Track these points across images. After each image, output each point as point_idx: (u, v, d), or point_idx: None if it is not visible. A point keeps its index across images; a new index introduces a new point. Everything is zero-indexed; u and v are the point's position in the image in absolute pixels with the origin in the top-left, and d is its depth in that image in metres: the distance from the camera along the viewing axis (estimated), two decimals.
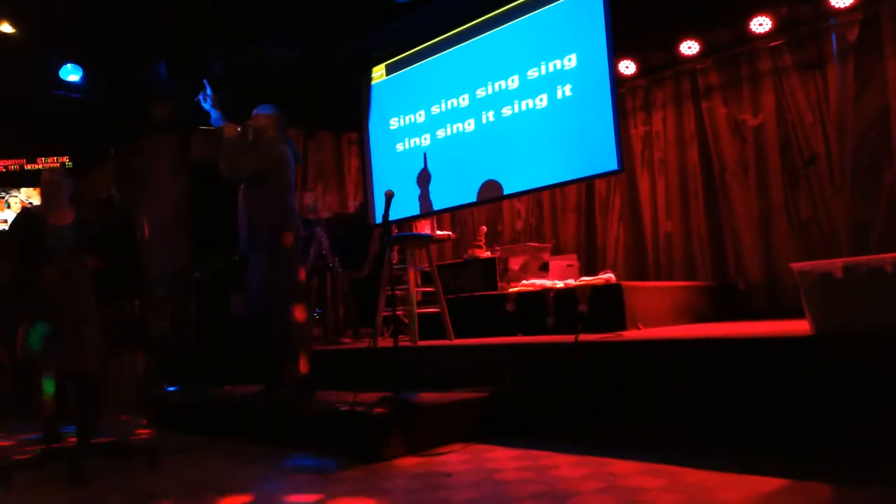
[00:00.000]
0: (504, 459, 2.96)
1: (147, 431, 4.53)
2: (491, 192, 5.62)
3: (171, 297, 5.96)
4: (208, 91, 3.96)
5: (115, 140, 6.79)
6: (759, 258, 5.56)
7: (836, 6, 5.05)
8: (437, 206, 6.01)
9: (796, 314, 3.41)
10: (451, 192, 5.89)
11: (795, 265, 2.90)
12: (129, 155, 6.73)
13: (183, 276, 5.79)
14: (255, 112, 4.07)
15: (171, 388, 4.91)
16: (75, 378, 3.82)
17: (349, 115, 6.90)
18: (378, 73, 6.63)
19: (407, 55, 6.34)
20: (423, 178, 6.06)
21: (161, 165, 6.59)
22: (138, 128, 6.56)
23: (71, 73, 6.18)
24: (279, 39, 5.92)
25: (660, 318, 4.49)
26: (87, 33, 5.93)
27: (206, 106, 3.97)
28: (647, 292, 4.61)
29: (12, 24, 5.67)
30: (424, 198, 6.05)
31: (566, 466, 2.75)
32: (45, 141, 6.90)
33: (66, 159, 6.91)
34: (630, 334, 3.87)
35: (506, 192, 5.56)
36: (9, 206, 6.90)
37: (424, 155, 6.10)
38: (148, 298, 5.99)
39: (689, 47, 5.80)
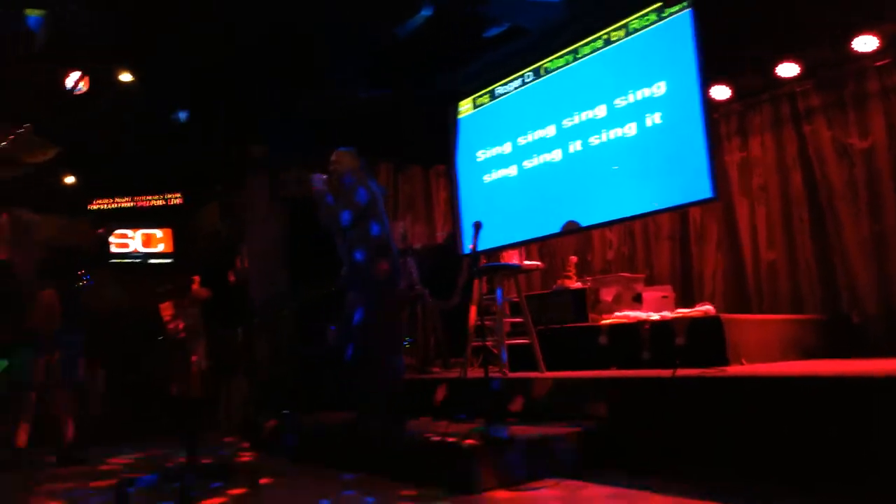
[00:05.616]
0: (598, 498, 2.87)
1: (248, 454, 4.72)
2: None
3: (269, 325, 6.23)
4: (319, 177, 4.03)
5: (221, 179, 7.25)
6: (875, 289, 5.17)
7: None
8: (525, 237, 5.99)
9: None
10: (539, 221, 5.86)
11: None
12: (233, 192, 7.16)
13: (280, 306, 6.05)
14: (337, 152, 4.17)
15: (284, 413, 5.01)
16: (184, 403, 4.04)
17: (437, 148, 7.06)
18: (465, 106, 6.75)
19: (493, 88, 6.43)
20: (511, 209, 6.07)
21: (260, 201, 6.98)
22: (240, 167, 6.98)
23: (182, 118, 6.67)
24: (371, 80, 6.16)
25: (765, 353, 4.25)
26: (194, 82, 6.40)
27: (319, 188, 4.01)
28: (750, 325, 4.39)
29: (131, 72, 6.21)
30: (512, 228, 6.05)
31: None
32: (158, 180, 7.46)
33: (180, 199, 7.43)
34: (734, 370, 3.69)
35: (595, 221, 5.48)
36: None
37: (512, 185, 6.13)
38: (250, 326, 6.29)
39: (787, 69, 5.57)
